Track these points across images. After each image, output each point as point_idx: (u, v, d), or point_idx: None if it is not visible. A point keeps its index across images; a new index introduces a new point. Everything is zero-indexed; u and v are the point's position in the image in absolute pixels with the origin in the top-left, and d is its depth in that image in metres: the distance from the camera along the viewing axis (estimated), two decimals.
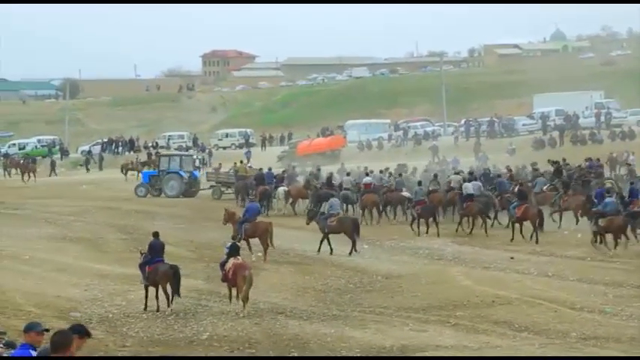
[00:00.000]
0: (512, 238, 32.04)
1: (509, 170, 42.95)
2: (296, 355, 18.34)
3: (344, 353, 18.38)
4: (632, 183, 34.32)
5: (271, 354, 18.56)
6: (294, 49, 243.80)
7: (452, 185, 37.91)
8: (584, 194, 33.71)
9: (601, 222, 28.81)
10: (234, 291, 22.22)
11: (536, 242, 31.02)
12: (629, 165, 44.88)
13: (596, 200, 31.29)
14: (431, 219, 34.54)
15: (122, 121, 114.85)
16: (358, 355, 18.28)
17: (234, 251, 22.79)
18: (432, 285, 24.59)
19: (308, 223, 32.49)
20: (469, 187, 35.52)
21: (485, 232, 33.86)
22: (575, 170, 40.29)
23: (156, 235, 23.36)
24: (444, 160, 56.10)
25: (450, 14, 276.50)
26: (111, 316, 21.61)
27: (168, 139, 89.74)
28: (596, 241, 28.98)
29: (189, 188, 50.18)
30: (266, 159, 66.06)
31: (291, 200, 42.44)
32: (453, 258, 29.27)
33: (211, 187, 49.78)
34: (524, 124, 71.42)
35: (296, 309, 22.21)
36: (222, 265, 22.62)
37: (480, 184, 37.08)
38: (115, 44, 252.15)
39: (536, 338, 18.95)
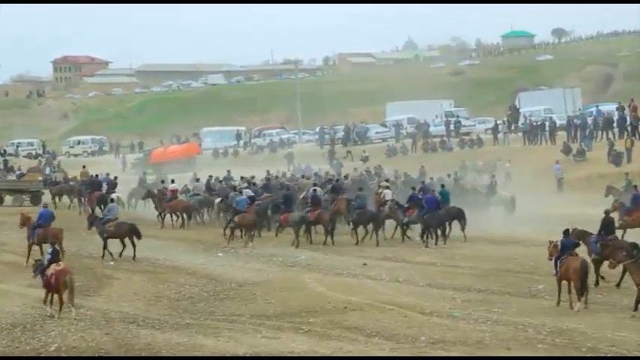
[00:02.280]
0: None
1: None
2: None
3: None
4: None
5: None
6: (149, 56, 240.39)
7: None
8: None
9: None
10: (56, 297, 22.06)
11: (332, 244, 33.01)
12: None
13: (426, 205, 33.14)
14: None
15: None
16: None
17: (54, 257, 22.77)
18: (286, 292, 24.68)
19: (89, 229, 33.23)
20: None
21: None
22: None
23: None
24: (299, 167, 56.45)
25: (306, 23, 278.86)
26: None
27: (17, 147, 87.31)
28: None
29: None
30: (119, 166, 65.19)
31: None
32: (306, 265, 29.46)
33: None
34: (377, 132, 72.50)
35: (148, 318, 21.97)
36: (43, 271, 22.51)
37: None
38: None
39: (386, 343, 19.27)
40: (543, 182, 38.11)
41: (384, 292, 24.48)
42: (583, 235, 24.58)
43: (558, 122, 59.52)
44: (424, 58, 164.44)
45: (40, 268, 22.81)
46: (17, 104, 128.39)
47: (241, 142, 77.99)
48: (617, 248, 23.38)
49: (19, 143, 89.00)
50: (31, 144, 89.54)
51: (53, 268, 22.17)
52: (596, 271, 24.08)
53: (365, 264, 29.04)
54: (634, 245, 21.77)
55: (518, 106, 71.00)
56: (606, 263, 23.11)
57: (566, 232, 23.01)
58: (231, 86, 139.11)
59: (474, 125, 70.73)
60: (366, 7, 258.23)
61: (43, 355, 19.12)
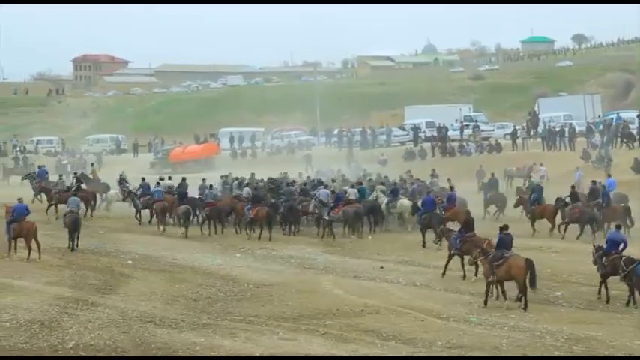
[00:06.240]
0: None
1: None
2: None
3: None
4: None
5: None
6: (168, 56, 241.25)
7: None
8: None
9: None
10: None
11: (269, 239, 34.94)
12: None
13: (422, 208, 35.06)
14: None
15: None
16: None
17: None
18: (303, 294, 24.72)
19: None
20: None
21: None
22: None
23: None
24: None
25: (325, 25, 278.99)
26: None
27: (37, 144, 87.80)
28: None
29: None
30: (137, 165, 65.33)
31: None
32: (324, 267, 29.47)
33: None
34: (395, 136, 72.40)
35: (165, 317, 22.02)
36: None
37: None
38: None
39: (403, 347, 19.27)
40: (563, 188, 37.93)
41: (400, 295, 24.48)
42: None
43: (578, 129, 59.33)
44: (443, 62, 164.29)
45: None
46: (37, 102, 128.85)
47: (258, 144, 78.03)
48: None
49: (38, 141, 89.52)
50: (51, 142, 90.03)
51: None
52: None
53: (382, 267, 29.06)
54: None
55: (537, 112, 70.82)
56: None
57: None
58: (250, 87, 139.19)
59: (493, 130, 70.63)
60: (386, 10, 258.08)
61: (60, 355, 19.18)
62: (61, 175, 49.00)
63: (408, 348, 19.18)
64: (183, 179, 44.06)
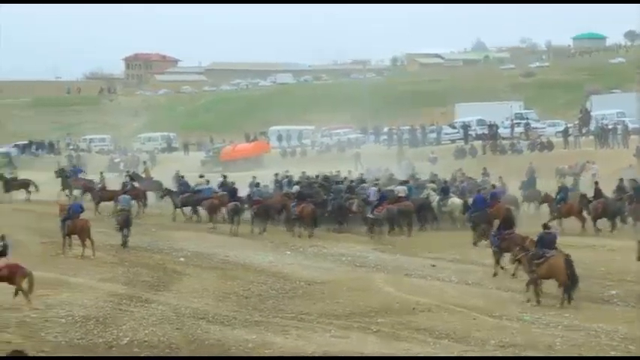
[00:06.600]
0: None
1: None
2: None
3: None
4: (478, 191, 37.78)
5: None
6: (218, 54, 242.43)
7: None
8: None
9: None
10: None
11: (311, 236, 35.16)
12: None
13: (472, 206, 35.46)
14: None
15: (42, 123, 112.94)
16: None
17: (4, 251, 23.29)
18: (354, 292, 24.70)
19: None
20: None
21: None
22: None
23: None
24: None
25: (374, 22, 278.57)
26: (28, 321, 21.23)
27: (90, 143, 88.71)
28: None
29: None
30: (188, 164, 65.71)
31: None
32: (375, 265, 29.43)
33: None
34: (446, 134, 72.12)
35: (218, 314, 22.14)
36: None
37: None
38: (36, 45, 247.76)
39: (455, 346, 19.17)
40: (614, 187, 37.67)
41: (452, 294, 24.38)
42: None
43: (631, 126, 58.60)
44: (493, 59, 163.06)
45: None
46: (89, 101, 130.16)
47: (307, 142, 78.10)
48: None
49: (91, 139, 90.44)
50: (103, 140, 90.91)
51: (3, 261, 22.70)
52: None
53: (434, 265, 28.96)
54: None
55: (589, 109, 70.08)
56: None
57: None
58: (299, 85, 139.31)
59: (544, 128, 70.03)
60: (435, 7, 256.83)
61: (114, 356, 19.36)
62: (101, 173, 49.60)
63: (460, 346, 19.08)
64: (224, 177, 44.31)
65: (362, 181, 42.93)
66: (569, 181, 45.08)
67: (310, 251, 32.63)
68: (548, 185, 42.49)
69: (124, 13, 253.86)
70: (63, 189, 48.00)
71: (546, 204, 38.95)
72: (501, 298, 23.79)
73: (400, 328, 20.68)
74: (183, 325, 20.92)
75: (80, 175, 50.98)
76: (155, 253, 31.90)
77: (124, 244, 32.65)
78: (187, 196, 41.55)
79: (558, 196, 37.59)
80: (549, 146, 60.18)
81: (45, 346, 19.11)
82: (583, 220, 35.91)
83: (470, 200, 36.70)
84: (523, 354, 18.48)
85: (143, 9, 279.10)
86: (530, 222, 31.95)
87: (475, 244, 30.34)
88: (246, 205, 39.07)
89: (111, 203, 40.95)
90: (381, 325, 20.88)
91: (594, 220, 35.61)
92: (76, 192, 46.83)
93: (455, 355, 18.55)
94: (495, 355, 18.51)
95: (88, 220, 31.92)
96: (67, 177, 49.30)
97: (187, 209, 41.55)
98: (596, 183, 37.92)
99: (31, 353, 18.41)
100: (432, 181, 42.16)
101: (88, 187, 46.27)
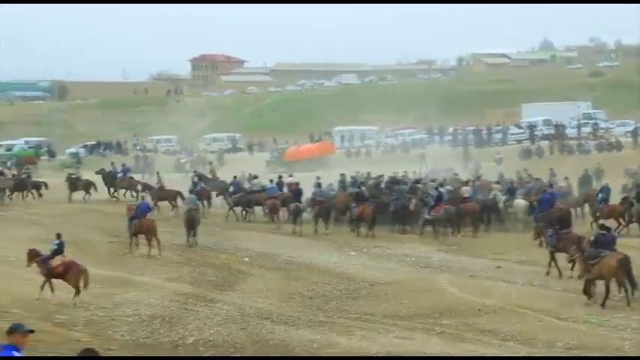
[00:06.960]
0: None
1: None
2: None
3: None
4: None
5: None
6: (283, 55, 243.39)
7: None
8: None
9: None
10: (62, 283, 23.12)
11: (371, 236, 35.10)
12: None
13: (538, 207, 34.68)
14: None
15: (110, 123, 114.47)
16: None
17: (60, 248, 23.99)
18: (418, 292, 24.60)
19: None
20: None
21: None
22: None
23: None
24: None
25: (439, 22, 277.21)
26: (96, 319, 21.55)
27: (156, 143, 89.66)
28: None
29: None
30: (253, 164, 66.00)
31: None
32: (439, 266, 29.30)
33: None
34: (512, 134, 71.56)
35: (282, 315, 22.21)
36: (46, 260, 23.61)
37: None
38: (104, 46, 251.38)
39: (521, 348, 18.98)
40: None
41: (518, 295, 24.14)
42: None
43: None
44: (561, 59, 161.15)
45: (42, 258, 23.76)
46: (156, 102, 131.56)
47: (371, 142, 77.99)
48: None
49: (157, 140, 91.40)
50: (169, 140, 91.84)
51: (60, 259, 23.41)
52: None
53: (499, 267, 28.74)
54: None
55: None
56: None
57: None
58: (364, 86, 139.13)
59: (613, 128, 69.07)
60: (502, 7, 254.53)
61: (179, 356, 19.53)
62: (158, 173, 50.09)
63: (526, 348, 18.90)
64: (280, 177, 44.47)
65: (417, 181, 42.44)
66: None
67: (374, 252, 32.59)
68: (617, 186, 41.88)
69: (189, 14, 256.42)
70: (108, 188, 48.62)
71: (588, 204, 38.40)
72: (568, 300, 23.50)
73: (465, 329, 20.55)
74: (247, 325, 21.02)
75: (137, 176, 51.50)
76: (220, 253, 32.14)
77: (191, 243, 32.91)
78: (239, 197, 42.04)
79: (600, 197, 36.96)
80: (618, 146, 59.38)
81: (112, 345, 19.33)
82: (624, 223, 35.24)
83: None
84: (590, 356, 18.22)
85: (209, 10, 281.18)
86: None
87: (540, 244, 30.03)
88: (308, 207, 39.14)
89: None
90: (446, 327, 20.77)
91: (628, 223, 35.08)
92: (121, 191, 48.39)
93: (521, 355, 18.37)
94: (562, 356, 18.28)
95: (155, 220, 32.29)
96: (114, 177, 49.90)
97: (238, 209, 42.11)
98: (639, 187, 37.18)
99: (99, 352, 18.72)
100: (497, 182, 41.76)
101: (146, 186, 46.87)
